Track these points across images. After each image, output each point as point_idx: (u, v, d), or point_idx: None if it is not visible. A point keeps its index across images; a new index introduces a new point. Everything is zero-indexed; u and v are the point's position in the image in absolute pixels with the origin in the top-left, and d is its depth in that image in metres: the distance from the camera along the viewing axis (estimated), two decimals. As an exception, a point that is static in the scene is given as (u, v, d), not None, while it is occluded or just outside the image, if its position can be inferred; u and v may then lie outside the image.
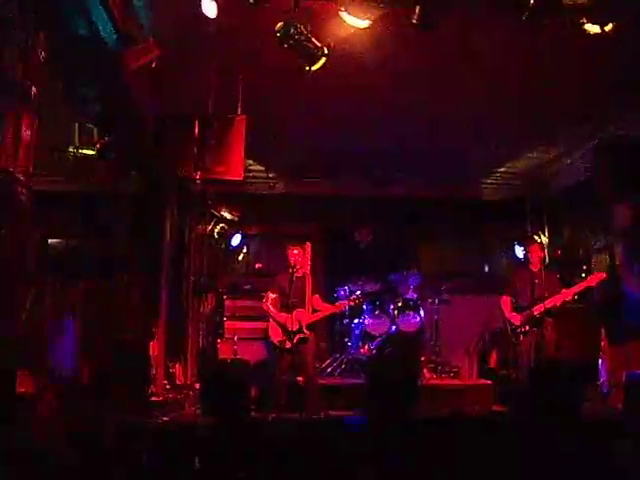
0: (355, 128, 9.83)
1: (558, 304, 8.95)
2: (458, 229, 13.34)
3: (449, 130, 9.92)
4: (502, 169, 12.15)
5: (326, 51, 6.44)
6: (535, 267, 9.30)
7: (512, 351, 9.55)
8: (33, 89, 5.22)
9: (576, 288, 8.92)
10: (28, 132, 5.19)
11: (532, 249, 9.47)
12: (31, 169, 5.28)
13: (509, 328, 9.29)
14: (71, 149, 7.53)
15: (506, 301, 9.36)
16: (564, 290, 8.95)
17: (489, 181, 12.83)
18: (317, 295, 8.81)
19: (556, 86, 8.17)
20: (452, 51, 7.42)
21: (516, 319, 9.13)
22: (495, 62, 7.64)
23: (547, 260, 11.94)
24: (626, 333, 9.71)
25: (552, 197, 12.78)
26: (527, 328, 9.04)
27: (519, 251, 12.54)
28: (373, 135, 10.17)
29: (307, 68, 6.47)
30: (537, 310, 9.00)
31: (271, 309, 8.69)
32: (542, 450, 7.05)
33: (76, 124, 7.55)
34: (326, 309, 8.83)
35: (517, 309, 9.21)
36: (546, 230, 12.60)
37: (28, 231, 4.93)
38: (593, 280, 8.91)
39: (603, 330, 10.04)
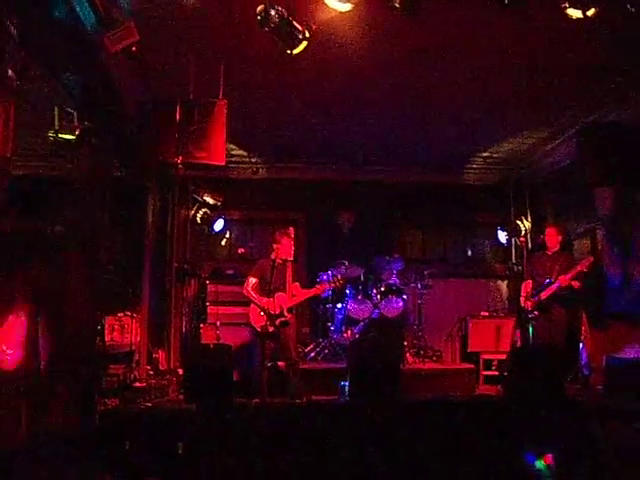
0: (337, 112, 9.81)
1: (561, 289, 9.05)
2: (441, 214, 13.35)
3: (432, 115, 9.90)
4: (485, 154, 12.14)
5: (307, 35, 6.39)
6: (550, 251, 9.43)
7: (526, 336, 9.63)
8: (9, 73, 5.16)
9: (570, 274, 9.03)
10: (5, 117, 5.14)
11: (548, 232, 9.62)
12: (9, 154, 5.23)
13: (522, 314, 9.42)
14: (51, 134, 7.46)
15: (527, 286, 9.50)
16: (560, 277, 9.03)
17: (472, 166, 12.83)
18: (297, 283, 8.82)
19: (539, 71, 8.16)
20: (434, 36, 7.38)
21: (528, 304, 9.26)
22: (478, 47, 7.62)
23: (530, 245, 11.99)
24: (607, 317, 9.78)
25: (535, 182, 12.81)
26: (537, 313, 9.16)
27: (502, 236, 12.58)
28: (355, 120, 10.15)
29: (288, 52, 6.43)
30: (544, 295, 9.12)
31: (252, 294, 8.69)
32: (525, 431, 7.10)
33: (56, 109, 7.47)
34: (307, 292, 8.83)
35: (533, 294, 9.33)
36: (529, 215, 12.62)
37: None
38: (584, 265, 9.03)
39: (584, 314, 10.09)
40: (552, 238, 9.60)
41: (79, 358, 6.84)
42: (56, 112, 7.44)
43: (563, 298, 9.22)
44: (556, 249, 9.54)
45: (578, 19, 6.23)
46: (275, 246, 8.72)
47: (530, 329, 9.35)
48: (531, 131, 10.74)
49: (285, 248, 8.71)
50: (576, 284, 9.12)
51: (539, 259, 9.73)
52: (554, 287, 9.15)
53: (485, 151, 11.96)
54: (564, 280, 9.04)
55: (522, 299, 9.51)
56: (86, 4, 5.85)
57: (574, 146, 9.79)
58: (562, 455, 6.80)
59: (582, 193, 10.57)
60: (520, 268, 12.40)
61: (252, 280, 8.79)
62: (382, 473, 6.69)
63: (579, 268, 9.03)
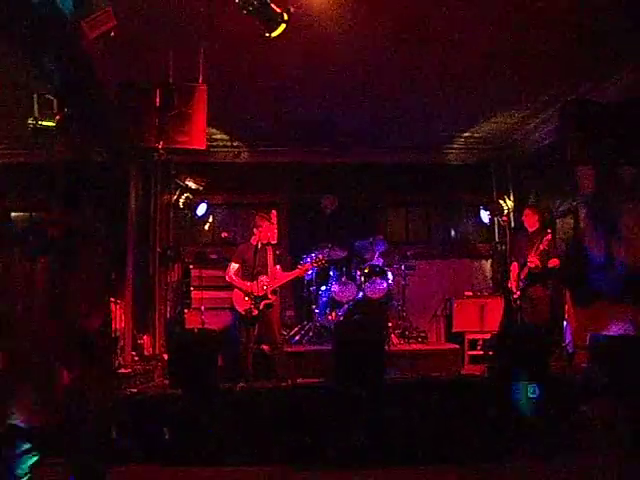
0: (318, 95, 9.79)
1: (536, 268, 9.15)
2: (423, 195, 13.36)
3: (413, 95, 9.88)
4: (466, 134, 12.15)
5: (286, 17, 6.36)
6: (529, 231, 9.68)
7: (517, 316, 9.75)
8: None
9: (533, 253, 9.28)
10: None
11: (525, 213, 9.83)
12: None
13: (511, 295, 9.56)
14: (30, 121, 7.41)
15: (514, 268, 9.61)
16: (530, 256, 9.14)
17: (454, 146, 12.83)
18: (278, 266, 8.82)
19: (521, 49, 8.16)
20: (413, 14, 7.37)
21: (512, 286, 9.52)
22: (458, 25, 7.62)
23: (512, 224, 12.04)
24: (590, 296, 9.84)
25: (517, 161, 12.83)
26: (518, 294, 9.30)
27: (484, 216, 12.61)
28: (336, 102, 10.13)
29: (267, 34, 6.40)
30: (522, 275, 9.24)
31: (234, 279, 8.70)
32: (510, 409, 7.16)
33: (35, 95, 7.41)
34: (290, 274, 8.84)
35: (517, 276, 9.56)
36: (511, 194, 12.65)
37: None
38: (544, 243, 9.23)
39: (567, 293, 10.15)
40: (529, 218, 9.80)
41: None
42: (35, 99, 7.39)
43: (541, 277, 9.36)
44: (534, 229, 9.64)
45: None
46: (256, 230, 8.73)
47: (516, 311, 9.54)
48: (512, 110, 10.75)
49: (266, 232, 8.72)
50: (553, 262, 9.23)
51: (519, 240, 9.84)
52: (527, 268, 9.32)
53: (466, 131, 11.96)
54: (531, 260, 9.21)
55: (509, 282, 9.77)
56: (63, -11, 5.80)
57: (556, 124, 9.81)
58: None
59: (564, 171, 10.60)
60: (503, 247, 12.49)
61: (234, 266, 8.80)
62: (368, 454, 6.73)
63: (541, 247, 9.15)
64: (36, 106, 7.44)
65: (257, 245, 8.56)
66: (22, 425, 3.78)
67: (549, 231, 9.40)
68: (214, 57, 7.78)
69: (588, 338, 8.95)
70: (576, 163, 9.66)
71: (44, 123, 7.47)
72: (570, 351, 9.85)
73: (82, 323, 3.79)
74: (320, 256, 9.23)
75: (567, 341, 9.95)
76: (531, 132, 11.78)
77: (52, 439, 4.00)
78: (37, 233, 4.03)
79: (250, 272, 8.50)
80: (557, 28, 7.57)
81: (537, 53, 8.25)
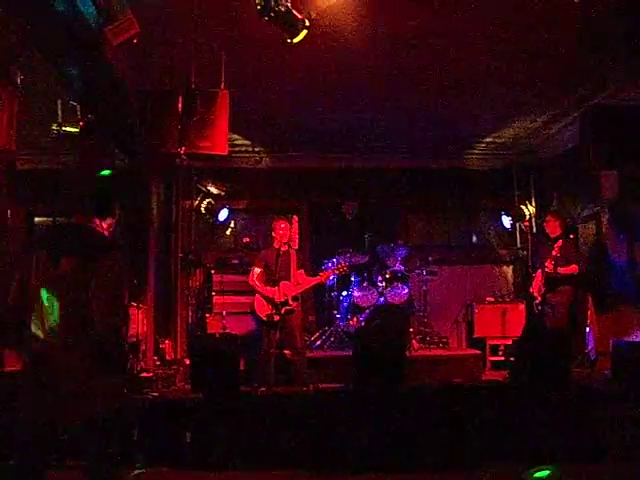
0: (339, 101, 9.79)
1: (553, 274, 9.17)
2: (445, 200, 13.34)
3: (434, 101, 9.87)
4: (488, 139, 12.11)
5: (307, 23, 6.38)
6: (550, 238, 9.65)
7: (538, 322, 9.79)
8: (13, 68, 5.18)
9: (562, 271, 9.26)
10: (9, 111, 5.16)
11: (547, 219, 9.85)
12: (14, 147, 5.26)
13: (533, 301, 9.71)
14: (54, 127, 7.48)
15: (537, 276, 9.62)
16: (547, 263, 9.14)
17: (475, 151, 12.80)
18: (302, 270, 8.81)
19: (542, 54, 8.13)
20: (435, 20, 7.36)
21: (534, 292, 9.60)
22: (480, 30, 7.60)
23: (534, 230, 12.00)
24: (612, 301, 9.79)
25: (539, 166, 12.78)
26: (539, 299, 9.32)
27: (506, 221, 12.57)
28: (358, 107, 10.13)
29: (289, 41, 6.42)
30: (542, 281, 9.27)
31: (257, 284, 8.70)
32: (532, 415, 7.13)
33: (59, 102, 7.49)
34: (311, 280, 8.83)
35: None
36: (533, 200, 12.60)
37: (10, 209, 4.91)
38: (556, 249, 9.24)
39: (590, 299, 10.10)
40: (551, 224, 9.76)
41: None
42: (59, 105, 7.46)
43: (556, 283, 9.37)
44: (556, 235, 9.60)
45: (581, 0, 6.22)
46: (274, 233, 8.74)
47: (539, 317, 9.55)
48: (534, 115, 10.71)
49: (283, 235, 8.68)
50: (565, 270, 9.26)
51: (542, 246, 9.83)
52: (545, 274, 9.36)
53: (488, 136, 11.93)
54: (547, 266, 9.24)
55: (531, 288, 9.77)
56: (87, -3, 5.86)
57: (578, 129, 9.77)
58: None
59: (587, 177, 10.55)
60: (525, 253, 12.42)
61: (257, 270, 8.80)
62: (388, 459, 6.72)
63: (553, 253, 9.19)
64: (60, 112, 7.51)
65: (279, 250, 8.56)
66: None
67: (571, 236, 9.39)
68: (236, 63, 7.81)
69: (611, 344, 8.91)
70: (598, 168, 9.62)
71: (68, 129, 7.54)
72: (592, 357, 9.80)
73: (98, 326, 3.84)
74: (342, 262, 9.24)
75: (589, 347, 9.91)
76: (553, 137, 11.73)
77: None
78: (61, 237, 4.08)
79: (272, 277, 8.51)
80: (579, 32, 7.53)
81: (559, 57, 8.21)
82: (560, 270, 9.23)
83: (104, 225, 4.25)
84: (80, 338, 3.83)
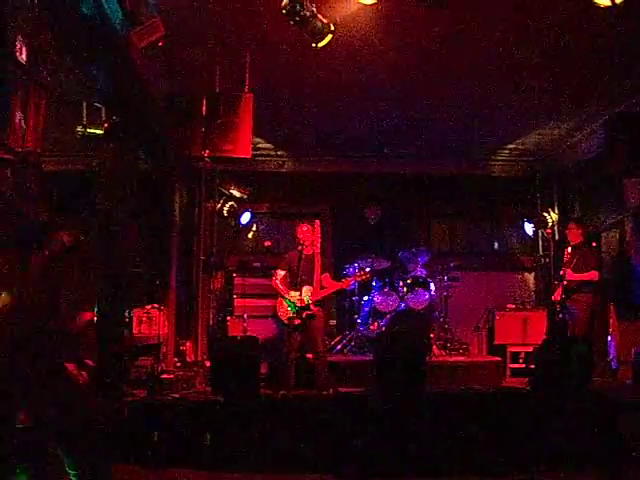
0: (364, 105, 9.80)
1: (572, 282, 9.19)
2: (467, 206, 13.32)
3: (459, 106, 9.86)
4: (512, 146, 12.09)
5: (332, 28, 6.41)
6: (571, 245, 9.69)
7: (559, 329, 9.92)
8: (41, 70, 5.22)
9: (578, 277, 9.33)
10: (37, 113, 5.20)
11: (568, 227, 9.92)
12: (40, 150, 5.30)
13: (555, 309, 9.79)
14: (79, 129, 7.54)
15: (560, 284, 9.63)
16: (570, 273, 9.23)
17: (499, 158, 12.79)
18: (327, 273, 8.81)
19: (567, 61, 8.10)
20: (460, 26, 7.35)
21: (557, 297, 9.63)
22: (505, 37, 7.58)
23: (556, 237, 11.94)
24: (635, 310, 9.73)
25: (562, 174, 12.72)
26: (559, 307, 9.35)
27: (529, 228, 12.52)
28: (382, 112, 10.14)
29: (314, 45, 6.44)
30: (561, 289, 9.29)
31: (280, 286, 8.70)
32: (551, 423, 7.10)
33: (84, 104, 7.55)
34: (333, 286, 8.83)
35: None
36: (556, 207, 12.54)
37: (38, 212, 4.94)
38: (593, 275, 9.26)
39: (612, 307, 10.05)
40: (572, 232, 9.79)
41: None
42: (84, 107, 7.52)
43: (580, 290, 9.37)
44: (576, 243, 9.65)
45: (606, 7, 6.18)
46: (297, 238, 8.74)
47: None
48: (558, 122, 10.67)
49: (306, 239, 8.68)
50: (587, 276, 9.26)
51: (565, 254, 9.80)
52: (565, 281, 9.41)
53: (511, 143, 11.91)
54: (568, 275, 9.35)
55: (555, 295, 9.77)
56: (113, 0, 5.90)
57: (602, 136, 9.72)
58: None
59: (610, 184, 10.51)
60: (547, 260, 12.36)
61: (280, 273, 8.81)
62: (407, 464, 6.72)
63: (565, 260, 9.48)
64: (85, 114, 7.58)
65: (301, 253, 8.56)
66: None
67: (593, 244, 9.37)
68: (260, 67, 7.85)
69: (633, 353, 8.85)
70: (622, 175, 9.58)
71: (92, 131, 7.60)
72: (614, 366, 9.74)
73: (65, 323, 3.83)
74: (364, 269, 9.23)
75: (611, 356, 9.84)
76: (577, 144, 11.66)
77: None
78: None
79: (294, 280, 8.52)
80: (604, 39, 7.50)
81: (584, 65, 8.18)
82: (577, 276, 9.29)
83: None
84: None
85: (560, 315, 9.53)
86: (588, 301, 9.33)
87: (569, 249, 9.58)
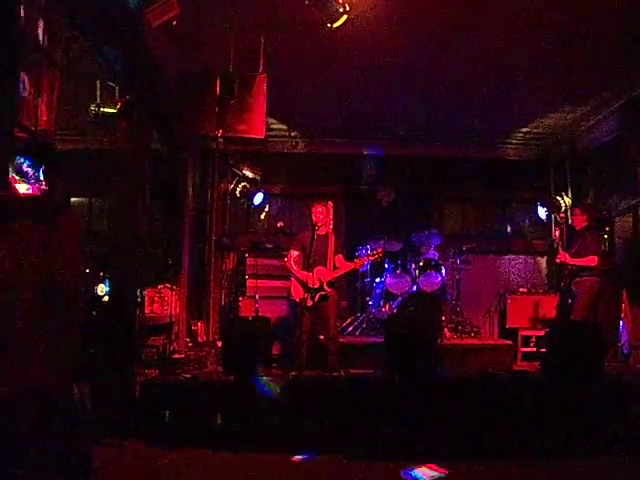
0: (377, 87, 9.76)
1: (574, 266, 9.23)
2: (480, 189, 13.28)
3: (472, 89, 9.81)
4: (526, 129, 12.02)
5: (348, 8, 6.38)
6: (576, 230, 9.81)
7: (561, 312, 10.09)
8: (54, 48, 5.22)
9: (575, 261, 9.41)
10: (50, 92, 5.20)
11: (574, 212, 10.12)
12: (54, 128, 5.30)
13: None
14: (93, 108, 7.53)
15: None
16: (566, 256, 9.46)
17: (513, 141, 12.72)
18: (340, 254, 8.80)
19: (584, 44, 8.03)
20: (475, 8, 7.31)
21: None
22: (520, 20, 7.52)
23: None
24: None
25: (576, 158, 12.64)
26: (562, 285, 9.42)
27: (542, 212, 12.47)
28: (396, 94, 10.10)
29: (328, 25, 6.41)
30: (565, 269, 9.34)
31: (293, 267, 8.71)
32: (564, 408, 7.10)
33: (98, 82, 7.54)
34: (346, 266, 8.81)
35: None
36: (569, 191, 12.48)
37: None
38: (592, 261, 9.29)
39: (625, 292, 10.02)
40: (576, 218, 9.91)
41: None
42: (98, 86, 7.51)
43: (581, 274, 9.43)
44: (581, 228, 9.74)
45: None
46: (315, 218, 8.72)
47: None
48: (573, 106, 10.60)
49: (320, 219, 8.67)
50: (585, 261, 9.31)
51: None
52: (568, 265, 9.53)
53: (526, 126, 11.85)
54: (560, 257, 9.53)
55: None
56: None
57: (618, 120, 9.67)
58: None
59: (624, 169, 10.44)
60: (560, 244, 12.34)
61: (294, 253, 8.81)
62: (417, 446, 6.73)
63: (586, 262, 9.35)
64: (99, 93, 7.57)
65: (314, 234, 8.55)
66: None
67: (607, 229, 9.36)
68: (274, 47, 7.81)
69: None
70: (638, 161, 9.52)
71: (106, 110, 7.59)
72: (626, 351, 9.72)
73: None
74: (377, 249, 9.19)
75: (623, 341, 9.83)
76: (591, 129, 11.60)
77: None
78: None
79: (307, 261, 8.51)
80: (620, 23, 7.44)
81: (600, 48, 8.11)
82: (575, 261, 9.39)
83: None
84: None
85: (569, 300, 9.56)
86: (591, 284, 9.35)
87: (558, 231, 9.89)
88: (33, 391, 3.54)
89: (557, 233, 9.84)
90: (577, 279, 9.41)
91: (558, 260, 9.52)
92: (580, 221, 9.73)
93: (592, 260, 9.28)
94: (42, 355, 3.62)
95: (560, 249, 9.53)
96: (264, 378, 7.63)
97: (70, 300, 3.85)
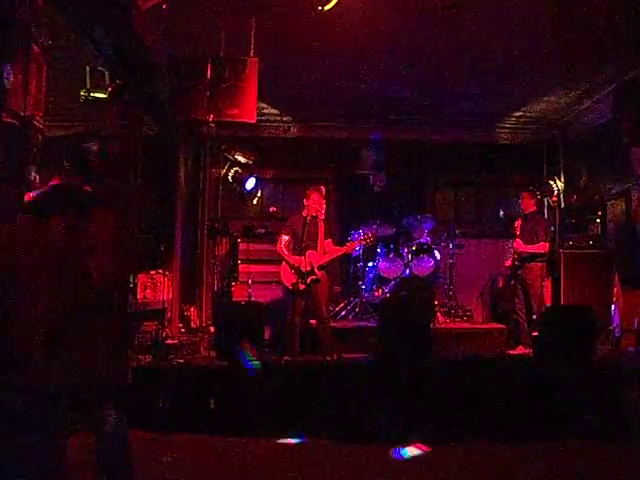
0: (369, 71, 9.72)
1: (524, 253, 9.45)
2: (473, 174, 13.29)
3: (466, 73, 9.78)
4: (518, 113, 12.00)
5: (338, -9, 6.35)
6: (524, 214, 9.92)
7: (510, 294, 10.17)
8: (41, 33, 5.17)
9: (528, 249, 9.49)
10: (38, 77, 5.16)
11: (522, 196, 10.04)
12: (41, 113, 5.26)
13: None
14: (83, 93, 7.48)
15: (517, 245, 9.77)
16: (521, 244, 9.55)
17: (505, 125, 12.70)
18: (330, 240, 8.78)
19: (576, 26, 8.01)
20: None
21: (508, 264, 9.87)
22: (513, 2, 7.49)
23: (562, 205, 11.90)
24: (639, 278, 9.74)
25: (568, 142, 12.64)
26: (510, 272, 9.47)
27: (534, 196, 12.48)
28: (388, 79, 10.07)
29: (319, 8, 6.38)
30: (515, 255, 9.40)
31: (284, 251, 8.68)
32: (555, 391, 7.13)
33: (87, 67, 7.48)
34: (337, 250, 8.79)
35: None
36: (562, 175, 12.48)
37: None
38: (543, 247, 9.46)
39: (616, 275, 10.04)
40: (524, 202, 9.97)
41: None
42: (87, 71, 7.45)
43: (531, 260, 9.53)
44: (529, 212, 9.86)
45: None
46: (305, 202, 8.70)
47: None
48: (566, 89, 10.57)
49: (315, 204, 8.66)
50: (537, 248, 9.43)
51: (519, 222, 9.96)
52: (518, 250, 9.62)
53: (519, 110, 11.82)
54: (516, 245, 9.63)
55: (506, 260, 10.08)
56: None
57: (611, 104, 9.65)
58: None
59: (617, 153, 10.44)
60: (552, 228, 12.33)
61: (285, 237, 8.78)
62: (409, 429, 6.75)
63: (537, 249, 9.48)
64: (88, 78, 7.51)
65: (306, 218, 8.53)
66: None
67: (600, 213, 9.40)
68: (266, 31, 7.77)
69: (636, 321, 8.87)
70: (630, 144, 9.51)
71: (96, 95, 7.53)
72: (617, 334, 9.75)
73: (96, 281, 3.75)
74: (369, 233, 9.16)
75: (614, 324, 9.85)
76: (584, 112, 11.58)
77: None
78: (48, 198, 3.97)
79: (298, 245, 8.49)
80: (613, 5, 7.41)
81: (593, 32, 8.09)
82: (527, 248, 9.47)
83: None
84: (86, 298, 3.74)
85: (512, 282, 9.77)
86: (541, 270, 9.56)
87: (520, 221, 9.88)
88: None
89: (518, 223, 9.85)
90: (527, 265, 9.49)
91: (516, 248, 9.58)
92: (529, 205, 9.87)
93: (543, 247, 9.45)
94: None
95: (517, 237, 9.65)
96: (256, 362, 7.64)
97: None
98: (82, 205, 3.81)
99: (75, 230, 3.68)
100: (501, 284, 10.01)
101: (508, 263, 9.86)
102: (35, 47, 5.14)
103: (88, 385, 3.74)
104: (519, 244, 9.52)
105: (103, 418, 3.90)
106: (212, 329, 9.38)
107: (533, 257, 9.44)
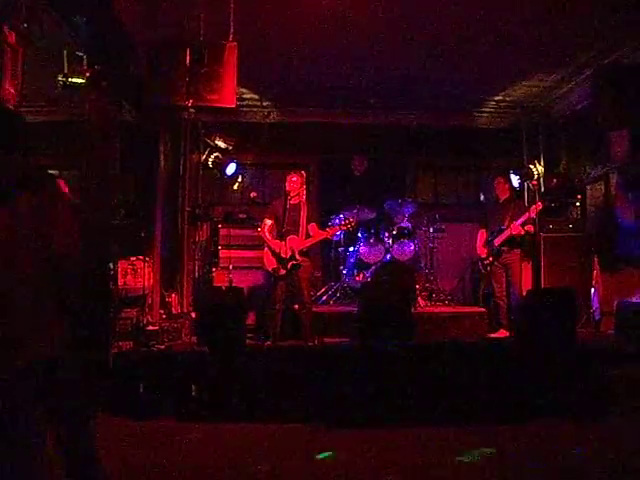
0: (350, 56, 9.70)
1: (513, 235, 9.34)
2: (454, 158, 13.32)
3: (445, 57, 9.77)
4: (498, 97, 12.02)
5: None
6: (500, 200, 9.90)
7: (487, 281, 10.24)
8: (17, 17, 5.13)
9: (521, 219, 9.37)
10: (14, 61, 5.12)
11: (496, 182, 10.08)
12: (18, 98, 5.23)
13: (479, 261, 9.88)
14: (61, 78, 7.41)
15: (482, 235, 9.86)
16: (512, 224, 9.34)
17: (485, 109, 12.71)
18: (313, 223, 8.76)
19: (555, 10, 8.02)
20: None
21: (482, 252, 9.73)
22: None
23: (542, 189, 11.93)
24: (618, 262, 9.80)
25: (548, 126, 12.68)
26: (491, 260, 9.39)
27: (514, 180, 12.48)
28: (369, 63, 10.04)
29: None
30: (497, 241, 9.33)
31: (267, 236, 8.67)
32: (536, 374, 7.19)
33: (65, 52, 7.41)
34: (319, 235, 8.77)
35: (488, 242, 9.68)
36: (542, 159, 12.52)
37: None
38: (533, 211, 9.39)
39: (596, 259, 10.10)
40: (499, 187, 9.98)
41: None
42: (65, 56, 7.39)
43: (520, 243, 9.57)
44: (505, 197, 9.87)
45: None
46: (286, 188, 8.69)
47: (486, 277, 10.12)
48: (545, 73, 10.60)
49: (294, 188, 8.64)
50: (530, 228, 9.46)
51: (492, 209, 10.03)
52: (506, 234, 9.46)
53: (498, 94, 11.84)
54: (515, 227, 9.37)
55: (477, 247, 9.91)
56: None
57: (589, 88, 9.68)
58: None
59: (596, 137, 10.49)
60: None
61: (268, 222, 8.76)
62: (391, 413, 6.79)
63: (529, 214, 9.37)
64: (66, 63, 7.44)
65: (287, 203, 8.52)
66: None
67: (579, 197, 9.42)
68: (245, 15, 7.72)
69: (615, 304, 8.94)
70: (609, 128, 9.55)
71: (74, 80, 7.47)
72: (597, 318, 9.83)
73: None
74: (350, 219, 9.15)
75: (594, 307, 9.92)
76: (564, 96, 11.61)
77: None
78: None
79: (280, 230, 8.48)
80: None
81: (572, 15, 8.10)
82: (529, 229, 9.45)
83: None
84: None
85: (488, 268, 9.73)
86: (520, 254, 9.63)
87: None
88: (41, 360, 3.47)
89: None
90: (506, 251, 9.48)
91: (516, 231, 9.39)
92: (504, 190, 9.89)
93: (530, 227, 9.47)
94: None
95: (513, 221, 9.48)
96: (239, 348, 7.66)
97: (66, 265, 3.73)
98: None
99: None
100: (481, 268, 9.97)
101: (483, 252, 9.74)
102: (11, 31, 5.09)
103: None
104: (515, 227, 9.34)
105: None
106: (193, 315, 9.37)
107: (512, 242, 9.44)
